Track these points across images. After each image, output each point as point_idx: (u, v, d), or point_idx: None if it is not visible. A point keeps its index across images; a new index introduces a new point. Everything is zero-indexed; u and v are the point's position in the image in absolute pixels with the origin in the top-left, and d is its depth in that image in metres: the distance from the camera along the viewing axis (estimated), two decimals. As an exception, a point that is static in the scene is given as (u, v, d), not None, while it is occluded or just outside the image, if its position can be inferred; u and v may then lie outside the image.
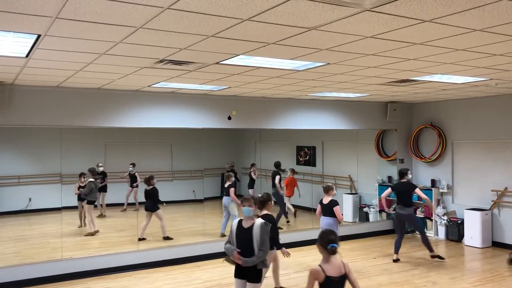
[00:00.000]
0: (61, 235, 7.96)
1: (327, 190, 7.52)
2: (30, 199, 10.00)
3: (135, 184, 10.45)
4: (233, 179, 9.40)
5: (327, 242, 3.56)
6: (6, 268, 6.80)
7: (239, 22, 3.56)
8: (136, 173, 10.49)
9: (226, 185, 9.27)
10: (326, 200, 7.28)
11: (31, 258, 7.65)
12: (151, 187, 8.92)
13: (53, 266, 7.07)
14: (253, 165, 11.21)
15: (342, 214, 7.57)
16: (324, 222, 7.43)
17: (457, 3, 3.14)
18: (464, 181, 9.68)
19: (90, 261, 7.33)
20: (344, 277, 3.64)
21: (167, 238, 8.77)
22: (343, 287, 3.67)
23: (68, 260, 7.23)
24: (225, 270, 7.39)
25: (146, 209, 8.82)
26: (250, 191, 11.67)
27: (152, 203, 8.85)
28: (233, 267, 4.65)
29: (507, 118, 8.80)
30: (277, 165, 10.69)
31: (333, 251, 3.57)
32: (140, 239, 8.41)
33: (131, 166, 10.47)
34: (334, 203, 7.25)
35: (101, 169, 9.89)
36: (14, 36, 3.95)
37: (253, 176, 10.97)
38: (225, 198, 9.28)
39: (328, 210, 7.30)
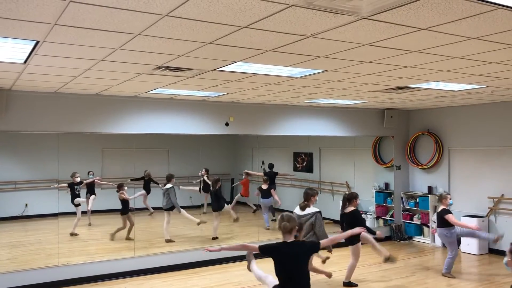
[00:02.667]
0: (58, 241, 7.92)
1: (441, 199, 7.25)
2: (26, 205, 9.97)
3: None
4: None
5: None
6: (1, 275, 6.76)
7: (237, 30, 3.58)
8: (96, 180, 10.22)
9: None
10: (439, 209, 7.06)
11: (27, 264, 7.61)
12: (217, 188, 9.40)
13: (50, 272, 7.03)
14: (206, 170, 11.84)
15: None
16: (438, 232, 7.23)
17: (453, 12, 3.17)
18: (460, 188, 9.70)
19: (86, 267, 7.30)
20: None
21: (215, 238, 9.24)
22: None
23: (64, 266, 7.20)
24: (222, 277, 7.37)
25: (213, 210, 9.47)
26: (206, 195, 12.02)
27: (216, 203, 9.40)
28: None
29: (504, 125, 8.84)
30: (273, 166, 11.47)
31: None
32: (213, 238, 9.32)
33: (91, 173, 10.23)
34: (445, 212, 6.99)
35: (77, 179, 9.61)
36: (12, 42, 3.97)
37: (207, 181, 11.26)
38: None
39: (440, 220, 7.01)
